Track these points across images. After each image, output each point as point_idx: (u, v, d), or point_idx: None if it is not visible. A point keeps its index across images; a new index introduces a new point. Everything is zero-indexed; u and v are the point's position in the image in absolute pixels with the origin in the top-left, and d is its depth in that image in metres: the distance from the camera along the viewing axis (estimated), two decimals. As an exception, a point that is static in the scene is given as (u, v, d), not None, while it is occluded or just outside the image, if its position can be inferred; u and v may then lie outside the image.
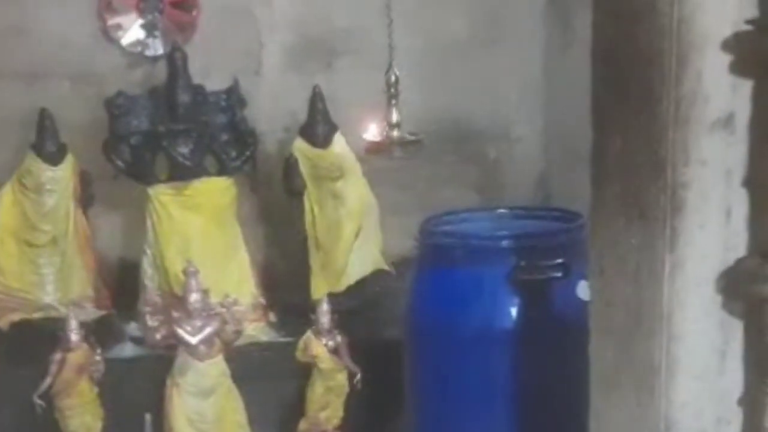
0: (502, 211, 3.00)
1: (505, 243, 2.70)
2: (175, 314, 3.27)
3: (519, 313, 2.68)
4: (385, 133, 3.11)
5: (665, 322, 1.74)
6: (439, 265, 2.79)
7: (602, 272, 1.88)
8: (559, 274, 2.67)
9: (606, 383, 1.91)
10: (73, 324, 3.23)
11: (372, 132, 3.18)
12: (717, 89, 1.62)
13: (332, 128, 3.66)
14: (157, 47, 3.99)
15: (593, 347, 1.94)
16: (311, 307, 3.50)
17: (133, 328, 3.65)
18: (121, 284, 3.87)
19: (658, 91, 1.65)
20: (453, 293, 2.74)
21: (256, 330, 3.63)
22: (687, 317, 1.72)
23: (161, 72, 3.90)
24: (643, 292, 1.76)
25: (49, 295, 3.56)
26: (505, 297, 2.68)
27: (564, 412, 2.67)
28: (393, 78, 3.10)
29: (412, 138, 3.16)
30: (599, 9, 1.79)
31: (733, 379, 1.76)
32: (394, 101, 3.11)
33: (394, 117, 3.09)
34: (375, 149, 3.22)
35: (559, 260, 2.66)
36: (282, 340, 3.60)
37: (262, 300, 3.72)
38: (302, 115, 3.83)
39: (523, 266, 2.65)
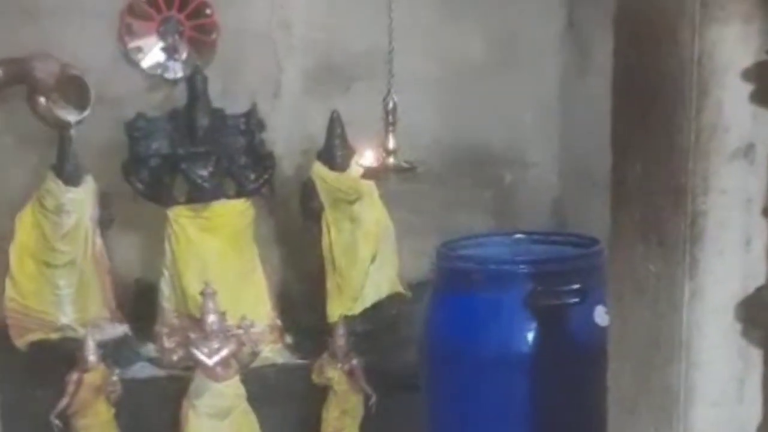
0: (518, 236, 3.01)
1: (522, 268, 2.70)
2: (192, 335, 3.28)
3: (536, 338, 2.67)
4: (381, 160, 3.14)
5: (684, 349, 1.75)
6: (456, 290, 2.79)
7: (621, 298, 1.89)
8: (576, 300, 2.67)
9: (624, 409, 1.91)
10: (91, 345, 3.25)
11: (368, 157, 3.22)
12: (737, 119, 1.64)
13: (350, 152, 3.69)
14: (176, 70, 4.03)
15: (611, 373, 1.95)
16: (327, 330, 3.52)
17: (149, 348, 3.66)
18: (136, 305, 3.89)
19: (679, 121, 1.66)
20: (470, 317, 2.74)
21: (272, 352, 3.64)
22: (706, 345, 1.73)
23: (181, 94, 3.93)
24: (662, 318, 1.77)
25: (67, 316, 3.57)
26: (522, 322, 2.68)
27: (580, 438, 2.68)
28: (391, 104, 3.13)
29: (407, 166, 3.19)
30: (620, 37, 1.81)
31: (752, 407, 1.76)
32: (391, 128, 3.13)
33: (391, 144, 3.12)
34: (370, 175, 3.25)
35: (576, 286, 2.66)
36: (298, 362, 3.60)
37: (278, 322, 3.73)
38: (320, 139, 3.86)
39: (541, 291, 2.65)
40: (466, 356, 2.75)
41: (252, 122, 3.70)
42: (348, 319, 3.56)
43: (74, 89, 3.62)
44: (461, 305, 2.77)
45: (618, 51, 1.82)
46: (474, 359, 2.73)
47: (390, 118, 3.10)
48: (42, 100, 3.57)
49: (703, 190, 1.66)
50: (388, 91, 3.14)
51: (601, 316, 2.66)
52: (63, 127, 3.59)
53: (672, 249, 1.71)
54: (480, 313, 2.72)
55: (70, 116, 3.60)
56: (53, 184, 3.53)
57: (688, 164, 1.67)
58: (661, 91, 1.70)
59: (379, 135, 3.62)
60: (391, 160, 3.10)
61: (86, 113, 3.60)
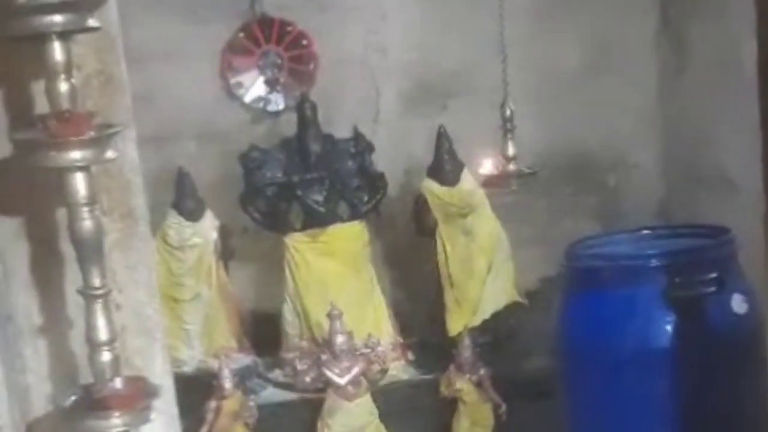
0: (644, 231, 3.02)
1: (656, 261, 2.70)
2: (323, 357, 3.34)
3: (674, 330, 2.67)
4: (501, 167, 3.18)
5: None
6: (589, 288, 2.80)
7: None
8: (713, 290, 2.66)
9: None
10: (226, 372, 3.32)
11: (488, 166, 3.26)
12: None
13: (459, 166, 3.72)
14: (278, 102, 4.13)
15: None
16: (446, 344, 3.54)
17: (276, 374, 3.71)
18: (255, 335, 3.95)
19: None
20: (606, 315, 2.75)
21: (396, 369, 3.66)
22: None
23: (283, 126, 4.03)
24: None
25: (195, 349, 3.64)
26: (659, 315, 2.68)
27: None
28: (508, 112, 3.18)
29: (529, 171, 3.23)
30: (765, 48, 1.83)
31: None
32: (509, 135, 3.18)
33: (510, 150, 3.16)
34: (492, 182, 3.28)
35: (713, 275, 2.66)
36: (423, 377, 3.63)
37: (400, 339, 3.76)
38: (421, 158, 3.90)
39: (677, 283, 2.64)
40: (603, 355, 2.76)
41: (361, 145, 3.75)
42: (468, 331, 3.58)
43: None
44: (596, 303, 2.78)
45: (763, 63, 1.83)
46: (613, 356, 2.74)
47: (508, 125, 3.14)
48: None
49: None
50: (504, 99, 3.18)
51: (739, 304, 2.66)
52: None
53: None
54: (616, 310, 2.73)
55: None
56: (175, 221, 3.61)
57: None
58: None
59: (482, 147, 3.68)
60: (511, 166, 3.14)
61: None
